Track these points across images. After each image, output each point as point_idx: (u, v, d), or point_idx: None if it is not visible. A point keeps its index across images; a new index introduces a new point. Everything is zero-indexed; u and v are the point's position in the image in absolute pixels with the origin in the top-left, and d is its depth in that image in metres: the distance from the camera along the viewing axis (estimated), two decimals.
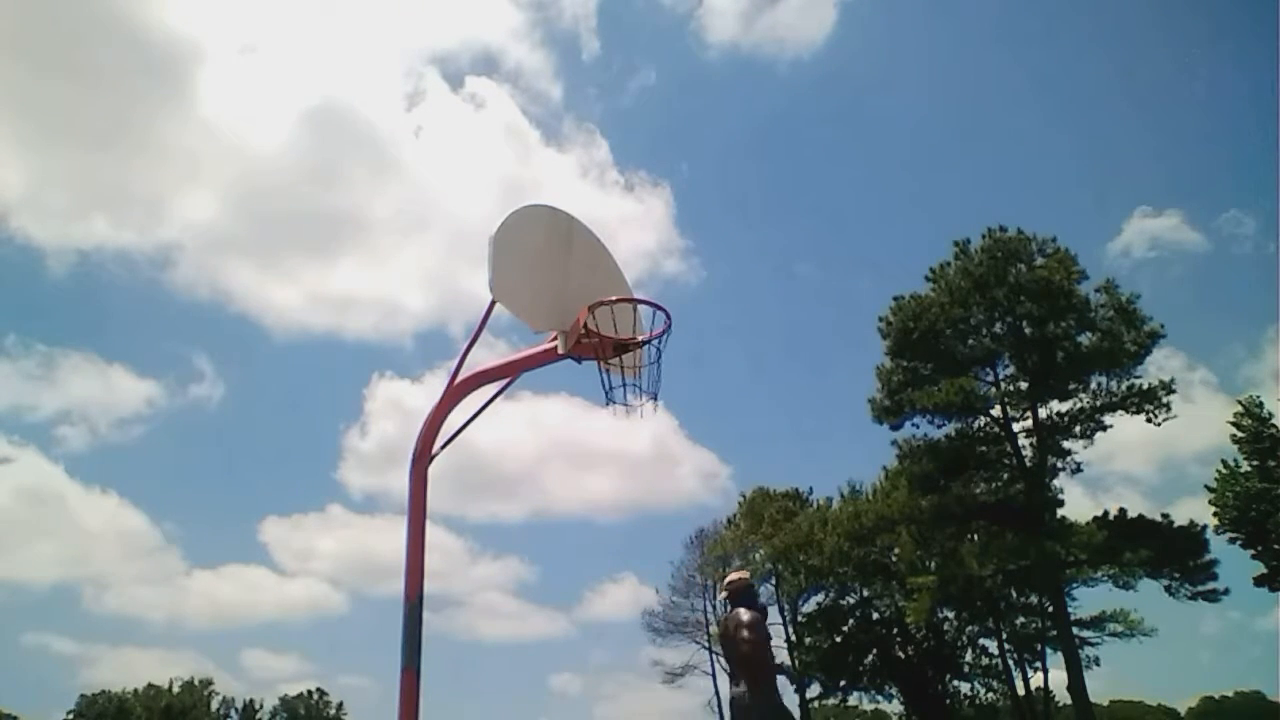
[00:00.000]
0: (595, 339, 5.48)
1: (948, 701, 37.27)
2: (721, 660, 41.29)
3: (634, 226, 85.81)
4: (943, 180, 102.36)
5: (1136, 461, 70.71)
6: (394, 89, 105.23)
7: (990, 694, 37.36)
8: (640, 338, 5.60)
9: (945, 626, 37.21)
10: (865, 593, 39.05)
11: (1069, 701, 28.13)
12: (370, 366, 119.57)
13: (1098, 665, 31.24)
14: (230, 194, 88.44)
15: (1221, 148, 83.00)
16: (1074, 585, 29.19)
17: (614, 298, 5.56)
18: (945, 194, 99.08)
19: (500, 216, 5.59)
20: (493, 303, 5.62)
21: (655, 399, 5.58)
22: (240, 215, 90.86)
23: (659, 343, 5.55)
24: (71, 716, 59.89)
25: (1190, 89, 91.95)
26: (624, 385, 5.65)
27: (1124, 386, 27.56)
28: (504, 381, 6.34)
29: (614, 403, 5.56)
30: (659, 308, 5.39)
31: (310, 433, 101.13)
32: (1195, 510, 27.28)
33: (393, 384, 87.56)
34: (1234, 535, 24.84)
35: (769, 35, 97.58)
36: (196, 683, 61.20)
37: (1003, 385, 29.35)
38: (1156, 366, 44.96)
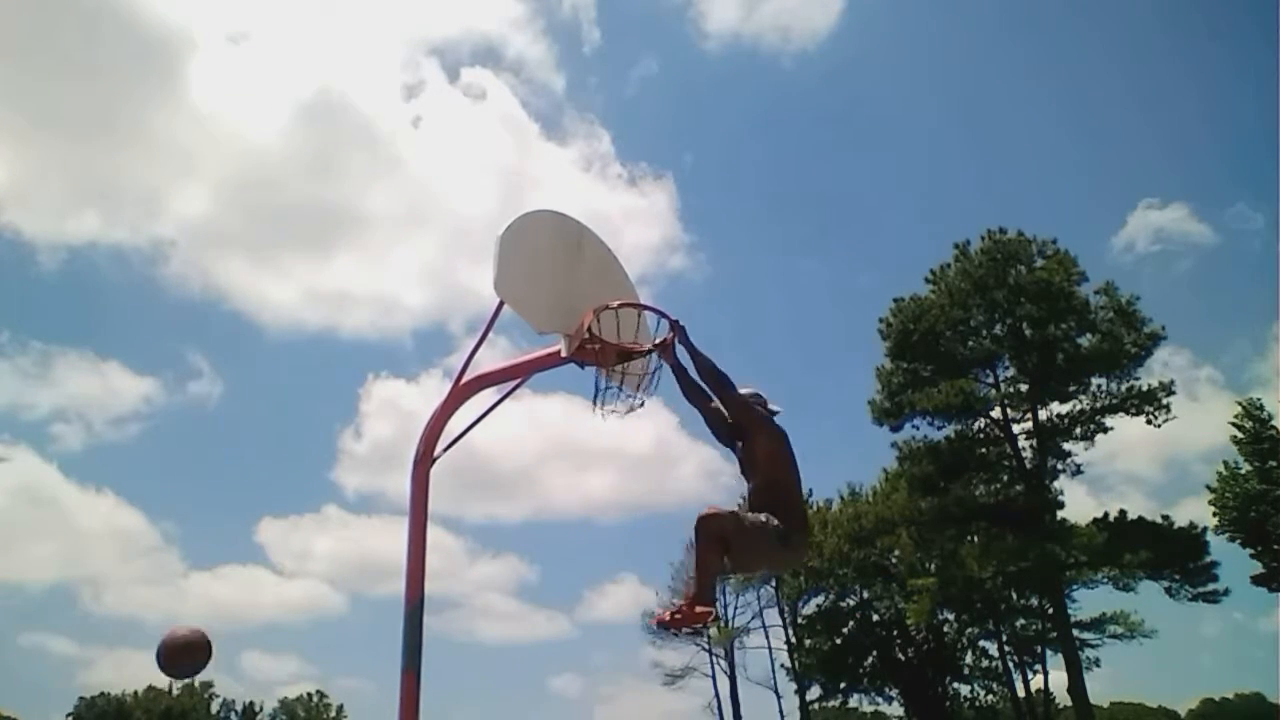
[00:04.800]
0: (598, 345, 5.46)
1: (948, 704, 37.26)
2: (722, 662, 41.32)
3: (637, 221, 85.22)
4: (947, 172, 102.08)
5: (1140, 461, 70.21)
6: (392, 80, 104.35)
7: (990, 696, 37.38)
8: (645, 345, 5.55)
9: (945, 628, 37.20)
10: (865, 595, 39.05)
11: (1069, 703, 28.15)
12: (367, 365, 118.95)
13: (1098, 667, 31.26)
14: (223, 187, 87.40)
15: (1226, 140, 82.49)
16: (1074, 587, 29.20)
17: (618, 302, 5.54)
18: (949, 186, 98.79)
19: (501, 211, 5.62)
20: (501, 303, 5.61)
21: (641, 405, 5.59)
22: (233, 209, 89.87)
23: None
24: (71, 718, 59.88)
25: (1195, 80, 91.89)
26: (615, 389, 5.64)
27: (1124, 388, 27.66)
28: (510, 384, 6.34)
29: (602, 406, 5.55)
30: (665, 316, 5.32)
31: (306, 432, 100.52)
32: (1200, 510, 27.29)
33: (389, 384, 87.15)
34: (1234, 535, 24.89)
35: (772, 25, 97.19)
36: (196, 685, 61.16)
37: (1003, 387, 29.42)
38: (1161, 364, 45.01)
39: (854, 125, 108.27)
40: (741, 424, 4.82)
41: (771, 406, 4.89)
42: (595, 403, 5.52)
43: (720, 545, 4.41)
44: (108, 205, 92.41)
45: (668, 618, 4.45)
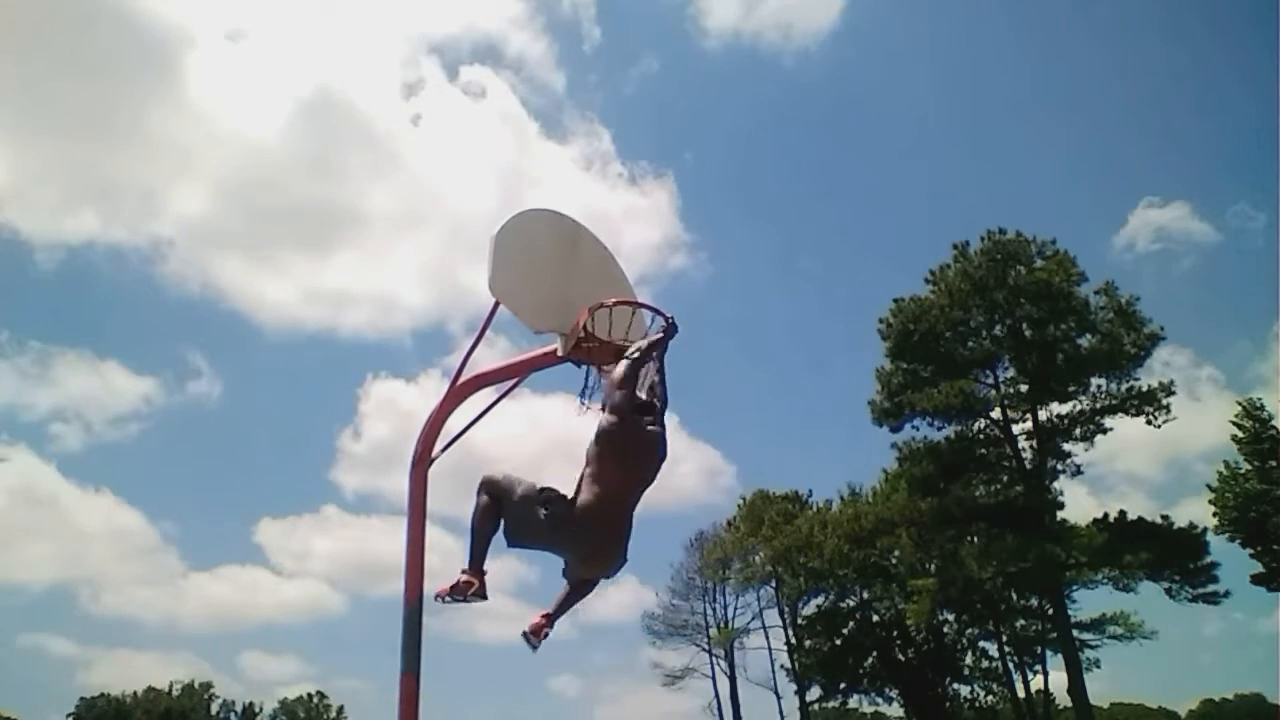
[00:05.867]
0: (594, 343, 5.44)
1: (948, 704, 37.25)
2: (722, 663, 41.31)
3: (638, 220, 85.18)
4: (947, 172, 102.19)
5: (1140, 461, 70.27)
6: (391, 78, 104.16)
7: (990, 696, 37.37)
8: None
9: (945, 629, 37.20)
10: (865, 595, 39.07)
11: (1069, 704, 28.13)
12: (367, 364, 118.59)
13: (1098, 667, 31.25)
14: (222, 186, 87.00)
15: (1228, 138, 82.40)
16: (1074, 587, 29.19)
17: (613, 300, 5.52)
18: (949, 186, 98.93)
19: (502, 210, 5.58)
20: (497, 303, 5.60)
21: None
22: (232, 208, 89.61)
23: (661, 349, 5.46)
24: (71, 718, 59.90)
25: (1195, 78, 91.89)
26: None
27: (1124, 389, 27.67)
28: (508, 384, 6.32)
29: (585, 403, 5.46)
30: (660, 313, 5.31)
31: (305, 432, 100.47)
32: (1200, 510, 27.30)
33: (388, 384, 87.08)
34: (1234, 535, 24.91)
35: (772, 23, 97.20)
36: (196, 685, 61.22)
37: (1002, 388, 29.42)
38: (1161, 363, 44.96)
39: (854, 124, 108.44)
40: (604, 403, 4.50)
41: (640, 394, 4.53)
42: (582, 400, 5.42)
43: (492, 509, 4.37)
44: (106, 204, 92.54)
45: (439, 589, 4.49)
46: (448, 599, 4.47)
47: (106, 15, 77.95)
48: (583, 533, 4.27)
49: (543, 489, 4.36)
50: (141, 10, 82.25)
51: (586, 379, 5.51)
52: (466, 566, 4.45)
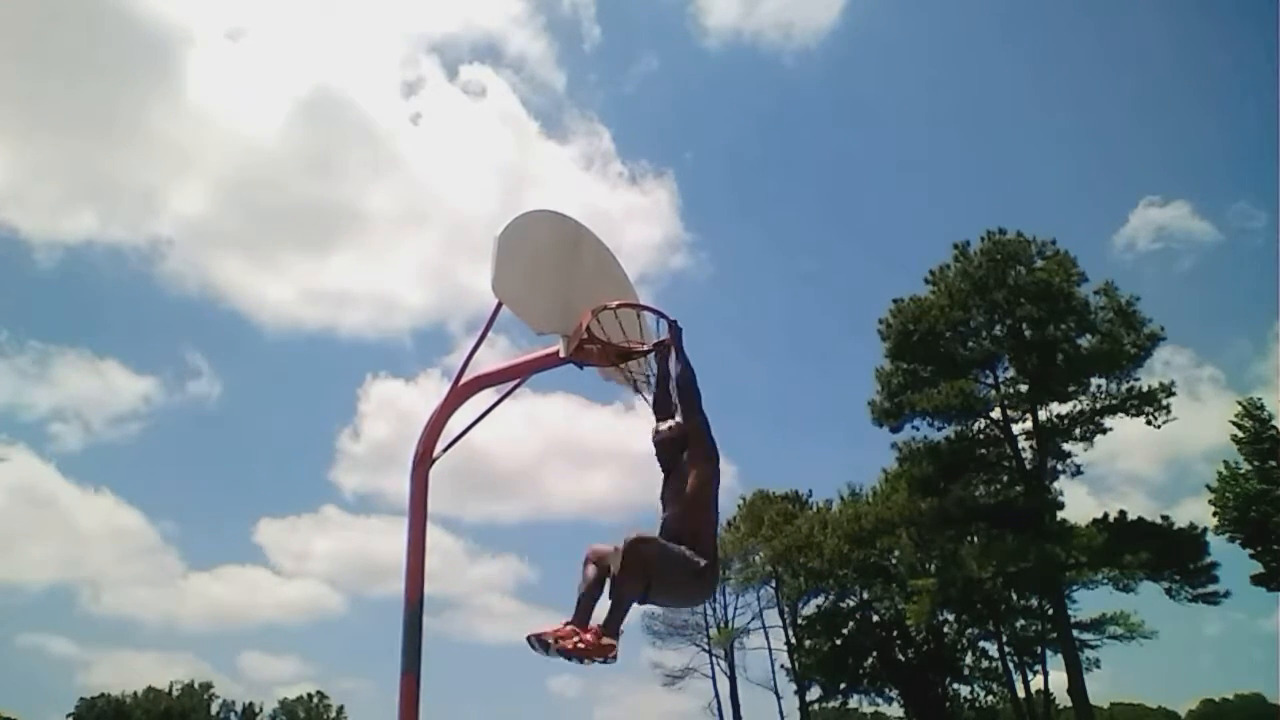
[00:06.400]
0: (598, 345, 5.45)
1: (948, 704, 37.25)
2: (722, 663, 41.27)
3: (638, 220, 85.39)
4: (947, 172, 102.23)
5: (1141, 460, 70.49)
6: (391, 77, 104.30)
7: (990, 697, 37.36)
8: (645, 346, 5.56)
9: (945, 629, 37.19)
10: (865, 595, 39.05)
11: (1069, 704, 28.13)
12: (366, 364, 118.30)
13: (1098, 668, 31.24)
14: (221, 186, 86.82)
15: (1228, 137, 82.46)
16: (1074, 588, 29.17)
17: (616, 302, 5.52)
18: (950, 185, 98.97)
19: (502, 209, 5.60)
20: (500, 303, 5.61)
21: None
22: (231, 208, 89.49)
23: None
24: (71, 718, 59.86)
25: (1196, 76, 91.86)
26: (647, 381, 5.68)
27: (1124, 389, 27.65)
28: (509, 384, 6.33)
29: (642, 394, 5.58)
30: (663, 315, 5.31)
31: (304, 432, 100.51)
32: (1200, 510, 27.30)
33: (388, 384, 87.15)
34: (1234, 535, 24.89)
35: (773, 22, 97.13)
36: (196, 686, 61.20)
37: (1002, 388, 29.41)
38: (1162, 363, 45.01)
39: (855, 123, 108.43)
40: (690, 445, 4.63)
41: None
42: (638, 393, 5.64)
43: (644, 575, 4.13)
44: (105, 203, 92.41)
45: (569, 646, 3.92)
46: (574, 659, 3.94)
47: (106, 15, 77.94)
48: (711, 585, 4.60)
49: (691, 554, 4.36)
50: (141, 10, 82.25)
51: (634, 382, 5.64)
52: (601, 627, 4.06)
